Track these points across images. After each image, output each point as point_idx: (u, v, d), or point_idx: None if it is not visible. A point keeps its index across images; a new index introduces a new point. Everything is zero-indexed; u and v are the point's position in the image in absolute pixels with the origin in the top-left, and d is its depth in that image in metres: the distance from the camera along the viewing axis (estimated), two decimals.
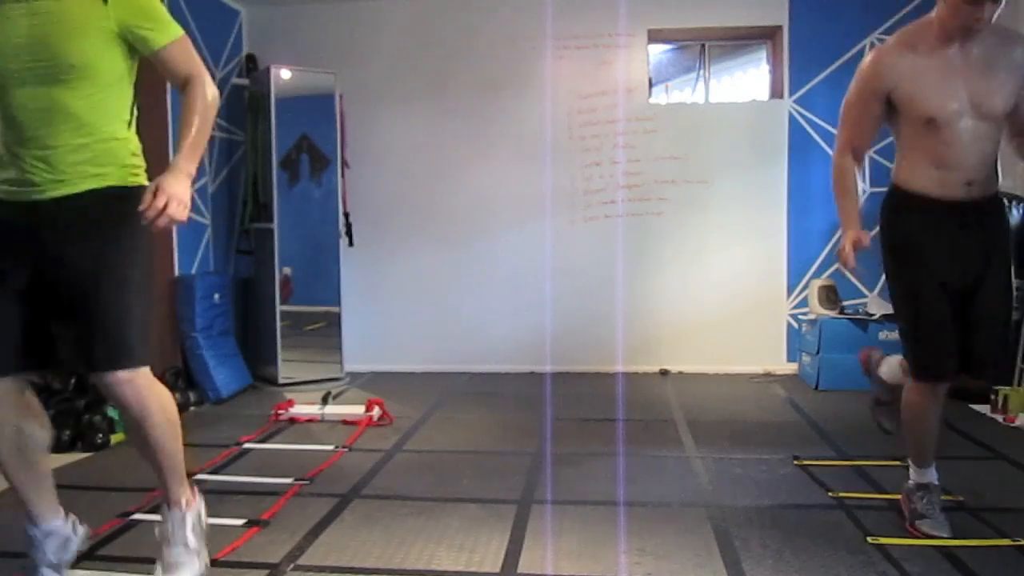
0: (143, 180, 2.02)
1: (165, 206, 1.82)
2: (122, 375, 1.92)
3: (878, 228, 2.43)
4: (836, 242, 4.91)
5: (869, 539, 2.38)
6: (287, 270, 4.99)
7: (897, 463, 3.13)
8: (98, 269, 1.91)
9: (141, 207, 1.83)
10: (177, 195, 1.85)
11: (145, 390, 1.97)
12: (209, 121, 2.00)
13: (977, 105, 2.21)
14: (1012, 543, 2.35)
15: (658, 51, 5.36)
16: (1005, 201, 2.47)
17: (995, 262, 2.33)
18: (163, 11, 2.00)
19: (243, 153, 5.06)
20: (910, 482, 2.51)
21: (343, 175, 5.06)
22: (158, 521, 2.12)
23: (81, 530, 2.16)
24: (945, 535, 2.37)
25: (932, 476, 2.49)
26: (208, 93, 2.00)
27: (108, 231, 1.93)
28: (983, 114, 2.22)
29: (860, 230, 2.33)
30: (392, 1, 5.17)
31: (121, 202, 1.93)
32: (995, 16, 2.17)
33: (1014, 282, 2.39)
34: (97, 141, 1.94)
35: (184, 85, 2.00)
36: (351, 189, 5.13)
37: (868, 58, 2.35)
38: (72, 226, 1.91)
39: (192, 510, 2.13)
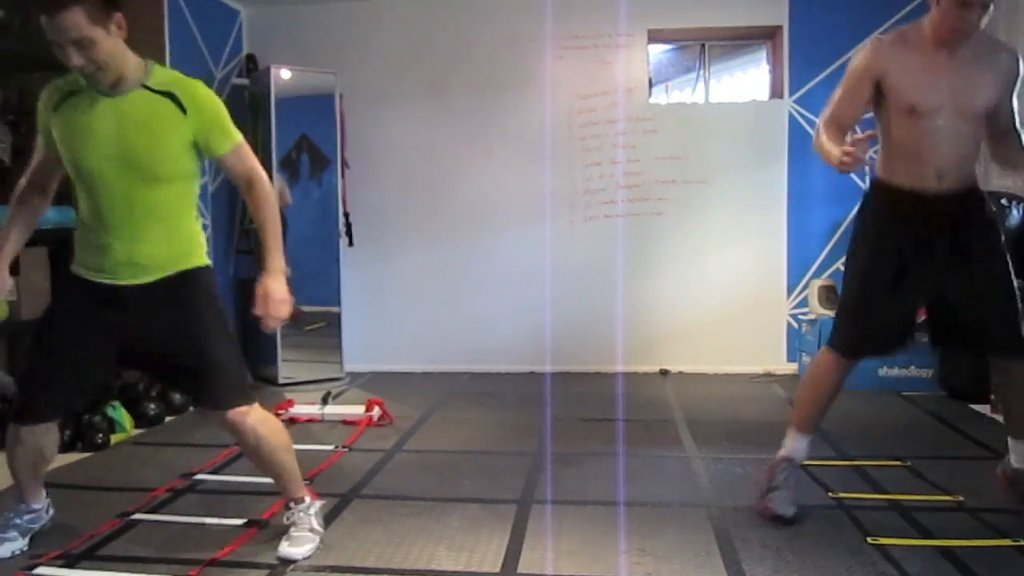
0: (205, 259, 2.34)
1: (273, 309, 2.20)
2: (239, 412, 2.29)
3: (857, 214, 2.60)
4: (836, 242, 4.93)
5: (869, 539, 2.38)
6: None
7: (897, 463, 3.14)
8: (195, 341, 2.25)
9: (258, 314, 2.20)
10: (282, 297, 2.22)
11: (259, 424, 2.33)
12: (277, 214, 2.31)
13: (957, 103, 2.33)
14: (1012, 543, 2.34)
15: (658, 51, 5.36)
16: (986, 195, 2.54)
17: (979, 247, 2.42)
18: (229, 121, 2.24)
19: None
20: (782, 451, 2.60)
21: (343, 175, 5.06)
22: (285, 514, 2.45)
23: (51, 513, 2.52)
24: (790, 513, 2.49)
25: (805, 451, 2.60)
26: (269, 191, 2.29)
27: (194, 305, 2.27)
28: (962, 112, 2.34)
29: (845, 146, 2.32)
30: (392, 1, 5.17)
31: (198, 283, 2.29)
32: (984, 22, 2.29)
33: (1009, 262, 2.44)
34: (174, 235, 2.25)
35: (247, 187, 2.28)
36: (351, 189, 5.13)
37: (865, 47, 2.45)
38: (157, 306, 2.22)
39: (316, 503, 2.48)
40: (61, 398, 2.31)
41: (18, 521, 2.41)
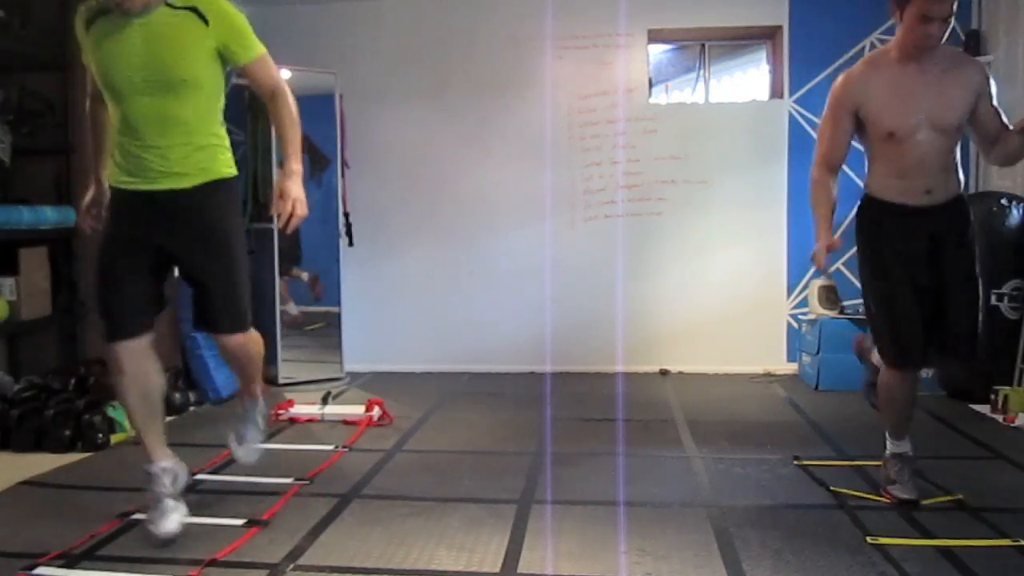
0: (235, 170, 2.49)
1: (294, 207, 2.32)
2: (239, 337, 2.49)
3: (856, 230, 2.72)
4: None
5: (869, 539, 2.38)
6: (304, 274, 5.02)
7: None
8: (213, 252, 2.40)
9: (275, 213, 2.36)
10: (299, 196, 2.35)
11: (251, 343, 2.56)
12: (298, 125, 2.46)
13: (933, 119, 2.48)
14: (1012, 543, 2.34)
15: (658, 51, 5.36)
16: (967, 202, 2.68)
17: (957, 256, 2.59)
18: (250, 31, 2.39)
19: (243, 153, 5.05)
20: (887, 452, 2.76)
21: (343, 175, 5.05)
22: (237, 405, 2.83)
23: (183, 467, 2.58)
24: (913, 496, 2.64)
25: (907, 447, 2.73)
26: (291, 102, 2.45)
27: (217, 219, 2.40)
28: (939, 127, 2.49)
29: (832, 236, 2.63)
30: (392, 1, 5.17)
31: (223, 191, 2.43)
32: (945, 35, 2.45)
33: (978, 270, 2.63)
34: (202, 142, 2.38)
35: (270, 97, 2.45)
36: (351, 189, 5.13)
37: (838, 80, 2.63)
38: (186, 216, 2.37)
39: (261, 402, 2.80)
40: (136, 306, 2.40)
41: (167, 485, 2.44)
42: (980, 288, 2.65)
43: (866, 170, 2.68)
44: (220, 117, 2.47)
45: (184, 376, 4.35)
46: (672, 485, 2.93)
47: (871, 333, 2.77)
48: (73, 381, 3.87)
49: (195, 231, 2.38)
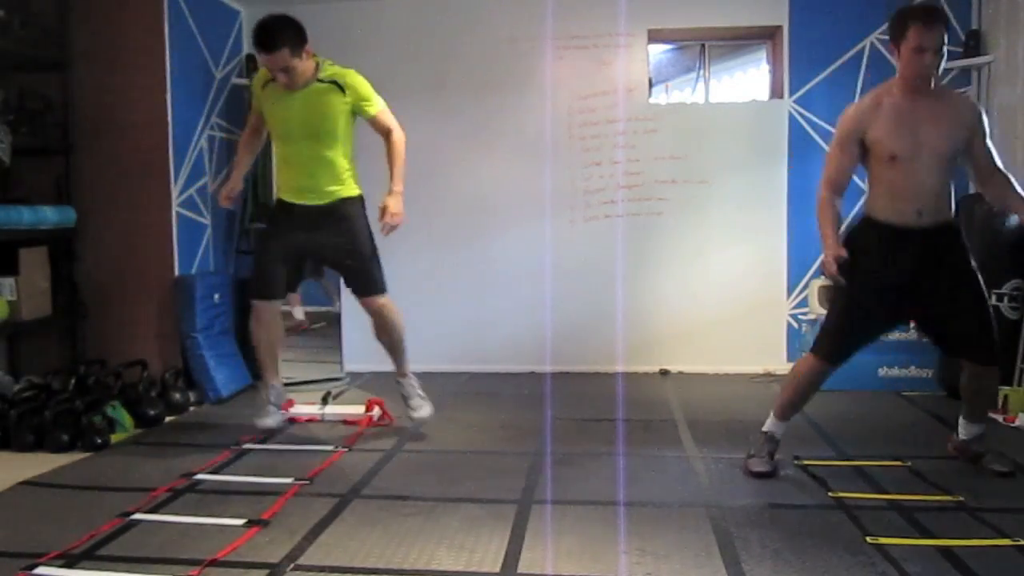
0: (358, 190, 3.57)
1: (393, 219, 3.42)
2: (380, 299, 3.59)
3: (844, 242, 2.91)
4: None
5: (869, 539, 2.38)
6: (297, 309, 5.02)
7: (897, 463, 3.14)
8: (353, 245, 3.51)
9: (380, 222, 3.43)
10: (396, 210, 3.43)
11: (390, 309, 3.61)
12: (403, 155, 3.49)
13: (931, 148, 2.77)
14: (1012, 543, 2.35)
15: (658, 51, 5.36)
16: (960, 228, 2.96)
17: (953, 272, 2.85)
18: (374, 94, 3.46)
19: None
20: (764, 428, 3.09)
21: None
22: (399, 384, 3.77)
23: (285, 392, 3.79)
24: (764, 469, 2.99)
25: (781, 429, 3.09)
26: (400, 139, 3.48)
27: (353, 221, 3.52)
28: (936, 156, 2.78)
29: (839, 247, 2.84)
30: (392, 1, 5.17)
31: (354, 204, 3.54)
32: (940, 67, 2.76)
33: (981, 279, 2.88)
34: (338, 175, 3.47)
35: (386, 136, 3.48)
36: None
37: (848, 110, 2.94)
38: (331, 221, 3.47)
39: (412, 378, 3.77)
40: (282, 278, 3.52)
41: (273, 397, 3.54)
42: (985, 295, 2.89)
43: (865, 194, 2.98)
44: (350, 155, 3.51)
45: (184, 376, 4.34)
46: (672, 485, 2.93)
47: (821, 326, 3.10)
48: (73, 381, 3.87)
49: (334, 235, 3.48)
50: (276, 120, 3.43)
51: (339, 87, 3.35)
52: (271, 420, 3.52)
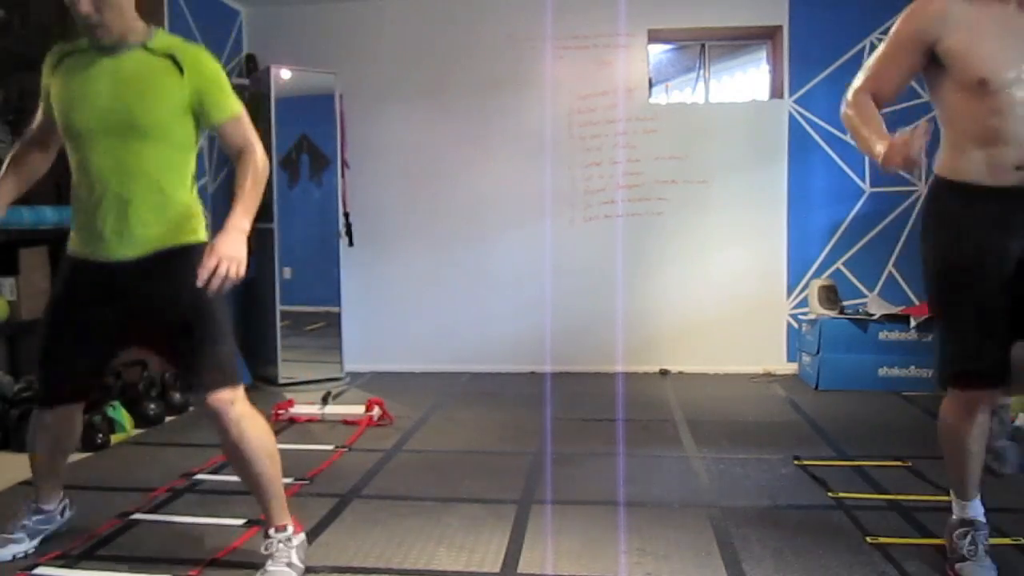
0: (202, 235, 2.20)
1: (219, 267, 1.93)
2: (222, 398, 2.11)
3: (921, 229, 2.15)
4: (836, 242, 4.93)
5: (869, 539, 2.38)
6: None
7: (897, 463, 3.14)
8: (186, 312, 2.11)
9: (200, 271, 1.93)
10: (229, 255, 1.96)
11: (244, 418, 2.16)
12: (260, 184, 2.13)
13: None
14: (1012, 543, 2.35)
15: (658, 51, 5.36)
16: None
17: None
18: (229, 90, 2.17)
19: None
20: (953, 517, 2.22)
21: (343, 175, 5.05)
22: (264, 539, 2.23)
23: (68, 515, 2.51)
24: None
25: (977, 511, 2.17)
26: (259, 161, 2.13)
27: (186, 282, 1.98)
28: None
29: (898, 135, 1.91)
30: (392, 1, 5.17)
31: (192, 257, 2.02)
32: None
33: None
34: (167, 206, 2.13)
35: (238, 155, 2.15)
36: (351, 189, 5.13)
37: (915, 5, 2.04)
38: (150, 282, 2.12)
39: (298, 536, 2.24)
40: (78, 379, 2.27)
41: (27, 522, 2.38)
42: None
43: (940, 146, 2.09)
44: (190, 179, 2.20)
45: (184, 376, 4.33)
46: (672, 485, 2.93)
47: (937, 352, 2.16)
48: None
49: (158, 305, 2.16)
50: (68, 102, 2.11)
51: (175, 63, 2.09)
52: (7, 550, 2.31)
